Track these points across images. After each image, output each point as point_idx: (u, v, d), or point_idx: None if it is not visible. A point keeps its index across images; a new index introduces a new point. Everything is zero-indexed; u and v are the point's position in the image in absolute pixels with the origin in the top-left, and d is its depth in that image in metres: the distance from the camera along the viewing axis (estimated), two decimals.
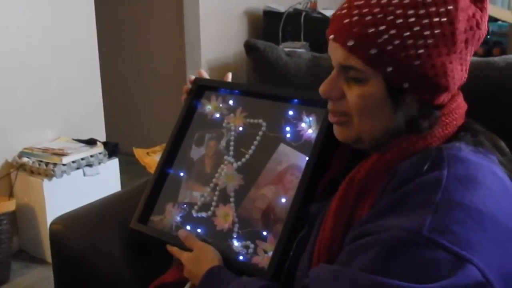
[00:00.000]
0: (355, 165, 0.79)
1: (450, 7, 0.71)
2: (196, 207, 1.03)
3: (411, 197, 0.68)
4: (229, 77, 1.16)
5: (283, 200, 0.93)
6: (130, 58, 3.60)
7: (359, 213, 0.75)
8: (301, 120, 0.98)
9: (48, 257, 2.21)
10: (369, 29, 0.71)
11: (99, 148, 2.36)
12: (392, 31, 0.70)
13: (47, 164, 2.21)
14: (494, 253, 0.65)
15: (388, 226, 0.67)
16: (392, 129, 0.76)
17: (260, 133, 1.02)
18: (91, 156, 2.31)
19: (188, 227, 1.01)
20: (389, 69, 0.71)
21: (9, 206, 2.16)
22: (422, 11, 0.70)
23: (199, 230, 1.00)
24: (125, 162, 2.99)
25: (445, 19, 0.71)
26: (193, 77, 1.15)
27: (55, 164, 2.20)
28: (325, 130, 0.92)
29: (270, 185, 0.95)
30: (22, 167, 2.24)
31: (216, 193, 1.01)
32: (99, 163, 2.35)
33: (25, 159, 2.25)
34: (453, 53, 0.72)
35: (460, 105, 0.80)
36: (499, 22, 2.83)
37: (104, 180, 2.37)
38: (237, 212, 0.97)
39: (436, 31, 0.70)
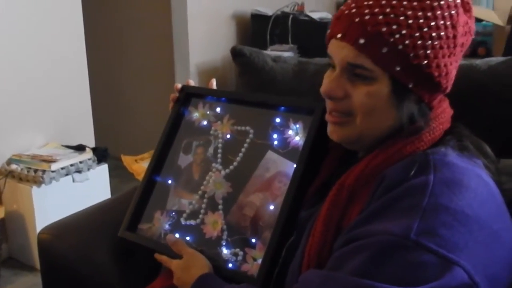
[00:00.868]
0: (344, 171, 0.80)
1: (453, 12, 0.75)
2: (184, 215, 1.03)
3: (399, 201, 0.70)
4: (214, 83, 1.17)
5: (272, 207, 0.93)
6: (118, 63, 3.59)
7: (349, 218, 0.76)
8: (288, 127, 0.99)
9: (38, 264, 2.19)
10: (382, 27, 0.73)
11: (88, 154, 2.36)
12: (404, 31, 0.73)
13: (36, 170, 2.19)
14: (481, 254, 0.67)
15: (376, 230, 0.68)
16: (392, 129, 0.78)
17: (248, 140, 1.02)
18: (80, 162, 2.30)
19: (177, 235, 1.01)
20: (398, 68, 0.74)
21: None
22: (429, 14, 0.74)
23: (188, 238, 1.00)
24: (114, 166, 2.98)
25: (449, 23, 0.75)
26: (180, 85, 1.15)
27: (44, 171, 2.19)
28: (313, 137, 0.92)
29: (258, 192, 0.96)
30: (10, 174, 2.23)
31: (205, 200, 1.02)
32: (88, 169, 2.34)
33: (13, 166, 2.24)
34: (453, 55, 0.76)
35: (446, 110, 0.82)
36: (484, 22, 2.87)
37: (94, 186, 2.36)
38: (225, 220, 0.98)
39: (441, 33, 0.74)
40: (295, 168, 0.93)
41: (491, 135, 0.88)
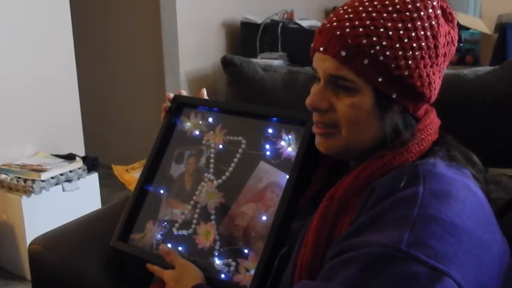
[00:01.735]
0: (335, 182, 0.81)
1: (433, 22, 0.76)
2: (177, 225, 1.03)
3: (389, 213, 0.70)
4: (204, 93, 1.17)
5: (264, 217, 0.94)
6: (108, 72, 3.58)
7: (339, 229, 0.77)
8: (280, 138, 0.99)
9: (28, 274, 2.18)
10: (362, 39, 0.74)
11: (78, 163, 2.34)
12: (384, 42, 0.74)
13: (25, 180, 2.18)
14: (470, 264, 0.68)
15: (367, 242, 0.68)
16: (378, 140, 0.79)
17: (240, 150, 1.03)
18: (70, 171, 2.29)
19: (169, 245, 1.01)
20: (380, 79, 0.75)
21: None
22: (409, 25, 0.75)
23: (180, 248, 1.00)
24: (105, 175, 2.97)
25: (429, 33, 0.76)
26: (171, 95, 1.15)
27: (33, 181, 2.17)
28: (305, 148, 0.93)
29: (250, 203, 0.96)
30: (0, 184, 2.21)
31: (197, 210, 1.02)
32: (79, 178, 2.33)
33: (3, 176, 2.22)
34: (436, 65, 0.77)
35: (433, 121, 0.83)
36: (471, 30, 2.90)
37: (84, 195, 2.34)
38: (218, 230, 0.98)
39: (422, 44, 0.75)
40: (288, 178, 0.93)
41: (479, 145, 0.90)
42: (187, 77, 3.04)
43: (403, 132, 0.78)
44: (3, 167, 2.26)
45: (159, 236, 1.04)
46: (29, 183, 2.16)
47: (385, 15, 0.75)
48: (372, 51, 0.74)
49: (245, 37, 3.22)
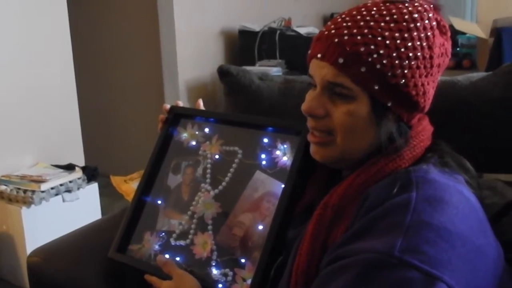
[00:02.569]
0: (330, 190, 0.82)
1: (429, 33, 0.78)
2: (174, 235, 1.04)
3: (382, 219, 0.71)
4: (201, 104, 1.18)
5: (260, 227, 0.94)
6: (107, 81, 3.60)
7: (334, 237, 0.77)
8: (276, 147, 1.00)
9: (27, 285, 2.17)
10: (360, 47, 0.75)
11: (78, 173, 2.35)
12: (382, 51, 0.75)
13: (25, 191, 2.19)
14: (464, 269, 0.68)
15: (361, 249, 0.69)
16: (372, 148, 0.80)
17: (236, 160, 1.04)
18: (70, 181, 2.30)
19: (167, 256, 1.02)
20: (376, 87, 0.76)
21: None
22: (406, 35, 0.76)
23: (178, 259, 1.01)
24: (105, 184, 2.98)
25: (425, 44, 0.77)
26: (168, 106, 1.16)
27: (33, 191, 2.18)
28: (300, 157, 0.94)
29: (247, 212, 0.97)
30: (0, 195, 2.22)
31: (194, 221, 1.02)
32: (78, 188, 2.33)
33: (2, 187, 2.23)
34: (430, 75, 0.79)
35: (426, 128, 0.84)
36: (468, 35, 2.92)
37: (84, 205, 2.35)
38: (215, 240, 0.98)
39: (418, 54, 0.77)
40: (283, 188, 0.94)
41: (473, 151, 0.91)
42: (186, 86, 3.05)
43: (397, 140, 0.79)
44: (2, 178, 2.26)
45: (156, 246, 1.05)
46: (29, 194, 2.17)
47: (382, 24, 0.76)
48: (369, 59, 0.75)
49: (243, 45, 3.23)
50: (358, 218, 0.74)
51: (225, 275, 0.94)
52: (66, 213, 2.25)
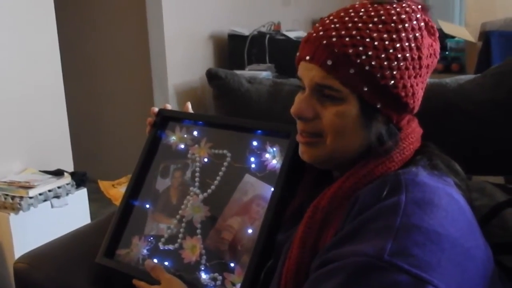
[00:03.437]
0: (319, 193, 0.81)
1: (417, 34, 0.77)
2: (163, 239, 1.03)
3: (372, 222, 0.70)
4: (189, 107, 1.17)
5: (250, 230, 0.94)
6: (96, 86, 3.58)
7: (324, 240, 0.77)
8: (265, 150, 1.00)
9: None
10: (349, 49, 0.75)
11: (67, 179, 2.33)
12: (370, 52, 0.75)
13: (13, 197, 2.16)
14: (453, 272, 0.68)
15: (350, 252, 0.69)
16: (362, 149, 0.80)
17: (225, 163, 1.03)
18: (59, 187, 2.27)
19: (155, 260, 1.01)
20: (365, 88, 0.76)
21: None
22: (394, 36, 0.76)
23: (166, 263, 1.00)
24: (95, 190, 2.95)
25: (413, 44, 0.77)
26: (156, 109, 1.16)
27: (21, 197, 2.15)
28: (289, 160, 0.93)
29: (236, 216, 0.96)
30: None
31: (183, 225, 1.02)
32: (67, 194, 2.31)
33: None
34: (419, 76, 0.78)
35: (415, 130, 0.84)
36: (456, 39, 2.94)
37: (73, 211, 2.32)
38: (204, 244, 0.97)
39: (406, 55, 0.76)
40: (273, 191, 0.93)
41: (461, 153, 0.90)
42: (176, 91, 3.04)
43: (386, 141, 0.78)
44: None
45: (145, 251, 1.03)
46: (17, 200, 2.14)
47: (371, 25, 0.76)
48: (358, 61, 0.75)
49: (233, 49, 3.23)
50: (348, 221, 0.74)
51: (214, 279, 0.94)
52: (55, 219, 2.23)
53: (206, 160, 1.06)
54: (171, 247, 1.01)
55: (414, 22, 0.78)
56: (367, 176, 0.78)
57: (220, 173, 1.02)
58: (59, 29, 2.54)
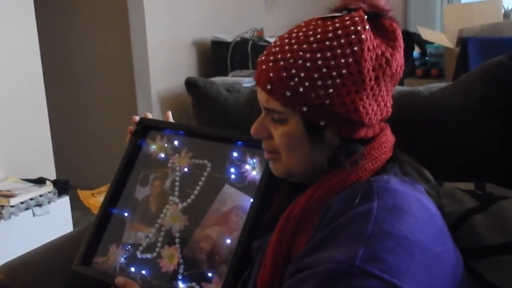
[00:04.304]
0: (293, 200, 0.83)
1: (355, 48, 0.76)
2: (140, 248, 1.03)
3: (344, 229, 0.72)
4: (170, 116, 1.18)
5: (228, 240, 0.95)
6: (78, 93, 3.57)
7: (297, 248, 0.78)
8: (245, 161, 1.01)
9: None
10: (282, 73, 0.77)
11: (49, 187, 2.32)
12: (302, 74, 0.77)
13: None
14: (423, 278, 0.70)
15: (323, 259, 0.70)
16: (322, 162, 0.81)
17: (205, 173, 1.04)
18: (40, 195, 2.27)
19: (132, 269, 1.01)
20: (304, 108, 0.77)
21: None
22: (328, 54, 0.76)
23: (143, 272, 1.00)
24: (77, 198, 2.94)
25: (351, 60, 0.76)
26: (137, 118, 1.16)
27: (2, 206, 2.14)
28: (268, 171, 0.94)
29: (215, 226, 0.97)
30: None
31: (161, 234, 1.02)
32: (49, 202, 2.30)
33: None
34: (363, 90, 0.77)
35: (388, 139, 0.85)
36: (435, 44, 2.98)
37: (55, 219, 2.32)
38: (182, 253, 0.98)
39: (343, 71, 0.76)
40: (252, 202, 0.95)
41: (433, 160, 0.93)
42: (159, 97, 3.04)
43: (340, 158, 0.79)
44: None
45: (122, 259, 1.04)
46: None
47: (304, 46, 0.77)
48: (291, 83, 0.77)
49: (216, 56, 3.24)
50: (321, 228, 0.75)
51: None
52: (36, 227, 2.22)
53: (186, 169, 1.07)
54: (149, 255, 1.01)
55: (353, 36, 0.76)
56: (338, 184, 0.79)
57: (200, 183, 1.03)
58: (41, 36, 2.53)
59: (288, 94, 0.77)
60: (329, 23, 0.79)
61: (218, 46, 3.22)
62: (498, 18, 2.99)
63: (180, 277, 0.96)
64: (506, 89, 1.02)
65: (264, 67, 0.80)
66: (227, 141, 1.05)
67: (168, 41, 3.08)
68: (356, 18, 0.77)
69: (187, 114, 3.00)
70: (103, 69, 3.44)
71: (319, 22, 0.80)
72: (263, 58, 0.81)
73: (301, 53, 0.77)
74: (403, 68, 0.82)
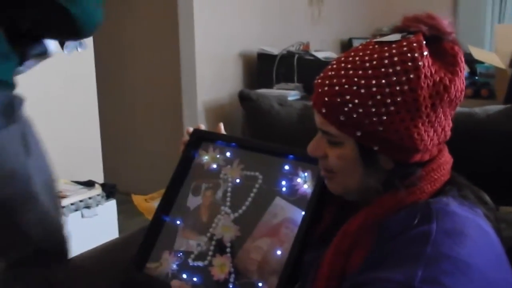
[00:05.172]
0: (345, 217, 0.84)
1: (411, 76, 0.75)
2: (192, 255, 1.05)
3: (402, 249, 0.72)
4: (222, 127, 1.21)
5: (279, 252, 0.96)
6: (128, 101, 3.68)
7: (352, 264, 0.79)
8: (297, 175, 1.02)
9: None
10: (336, 98, 0.78)
11: (97, 190, 2.40)
12: (356, 100, 0.77)
13: None
14: None
15: (380, 278, 0.71)
16: (378, 184, 0.81)
17: (257, 185, 1.05)
18: (89, 198, 2.34)
19: (184, 276, 1.04)
20: (358, 133, 0.78)
21: None
22: (383, 81, 0.76)
23: (195, 279, 1.02)
24: (121, 201, 3.01)
25: (406, 87, 0.75)
26: (191, 129, 1.19)
27: None
28: (320, 186, 0.95)
29: (265, 237, 0.99)
30: None
31: (213, 242, 1.04)
32: (97, 205, 2.37)
33: None
34: (418, 117, 0.76)
35: (446, 160, 0.84)
36: (486, 64, 2.92)
37: (102, 221, 2.39)
38: (233, 263, 1.00)
39: (398, 99, 0.75)
40: (303, 215, 0.95)
41: (490, 183, 0.91)
42: (205, 107, 3.09)
43: (394, 181, 0.79)
44: None
45: (174, 266, 1.06)
46: None
47: (360, 72, 0.77)
48: (346, 109, 0.78)
49: (261, 68, 3.27)
50: (378, 247, 0.76)
51: None
52: (84, 228, 2.29)
53: (238, 181, 1.09)
54: (200, 263, 1.04)
55: (409, 63, 0.75)
56: (396, 205, 0.79)
57: (251, 194, 1.05)
58: (95, 45, 2.63)
59: (342, 118, 0.78)
60: (386, 48, 0.78)
61: (264, 58, 3.25)
62: None
63: (231, 286, 0.98)
64: None
65: (320, 90, 0.81)
66: (279, 155, 1.06)
67: (215, 53, 3.13)
68: (414, 44, 0.76)
69: (232, 124, 3.05)
70: (152, 79, 3.53)
71: (376, 46, 0.79)
72: (320, 81, 0.82)
73: (356, 79, 0.77)
74: (463, 93, 0.80)
